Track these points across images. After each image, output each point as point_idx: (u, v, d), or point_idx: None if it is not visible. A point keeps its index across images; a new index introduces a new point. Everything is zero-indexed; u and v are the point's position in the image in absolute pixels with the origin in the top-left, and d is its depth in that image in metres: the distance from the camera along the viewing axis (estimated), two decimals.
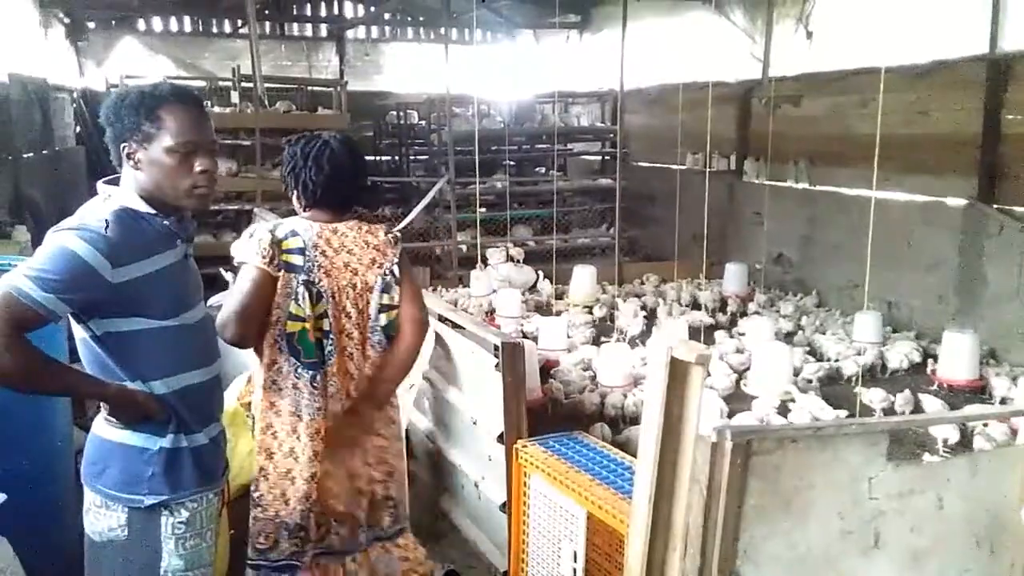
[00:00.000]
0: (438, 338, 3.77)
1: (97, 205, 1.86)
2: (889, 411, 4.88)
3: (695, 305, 7.45)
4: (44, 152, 9.24)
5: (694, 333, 6.25)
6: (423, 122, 11.34)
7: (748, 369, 5.58)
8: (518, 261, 8.68)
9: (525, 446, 2.89)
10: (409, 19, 14.64)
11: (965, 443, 4.31)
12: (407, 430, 3.76)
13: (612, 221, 9.63)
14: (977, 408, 4.95)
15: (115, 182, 1.91)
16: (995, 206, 6.26)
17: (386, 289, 2.43)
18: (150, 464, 1.88)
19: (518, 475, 2.86)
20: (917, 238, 6.80)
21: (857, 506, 1.85)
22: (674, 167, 9.29)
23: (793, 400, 4.98)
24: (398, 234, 2.54)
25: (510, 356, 3.10)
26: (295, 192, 2.49)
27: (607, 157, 11.23)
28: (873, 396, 4.92)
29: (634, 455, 2.43)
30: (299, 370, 2.36)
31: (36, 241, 1.75)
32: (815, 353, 6.12)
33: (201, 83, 11.05)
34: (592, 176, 11.30)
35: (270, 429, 2.40)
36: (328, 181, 2.43)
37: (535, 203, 10.46)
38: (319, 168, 2.42)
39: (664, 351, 1.77)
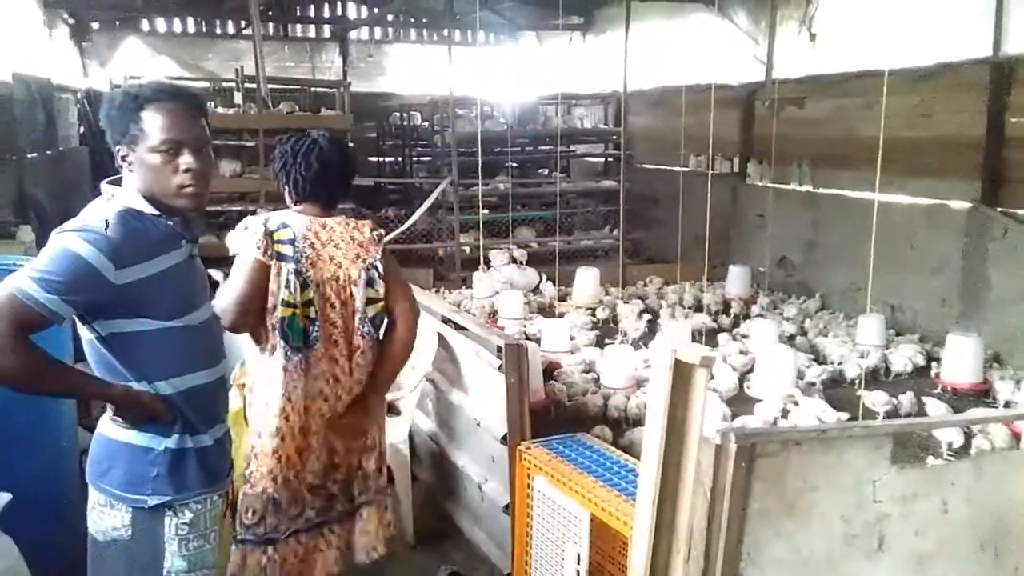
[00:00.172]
0: (441, 340, 3.78)
1: (101, 206, 1.86)
2: (891, 414, 4.88)
3: (698, 307, 7.45)
4: (48, 152, 9.26)
5: (697, 335, 6.25)
6: (426, 123, 11.35)
7: (751, 371, 5.58)
8: (521, 263, 8.68)
9: (528, 448, 2.89)
10: (412, 20, 14.65)
11: (969, 446, 4.30)
12: (410, 431, 3.77)
13: (615, 223, 9.64)
14: (981, 412, 4.94)
15: (119, 182, 1.91)
16: (999, 209, 6.26)
17: (370, 283, 2.57)
18: (155, 464, 1.88)
19: (521, 477, 2.86)
20: (921, 241, 6.79)
21: (861, 509, 1.85)
22: (677, 169, 9.29)
23: (796, 403, 4.98)
24: (382, 232, 2.67)
25: (513, 358, 3.10)
26: (286, 188, 2.63)
27: (610, 159, 11.23)
28: (876, 399, 4.92)
29: (637, 457, 2.43)
30: (288, 353, 2.49)
31: (40, 241, 1.76)
32: (818, 356, 6.12)
33: (204, 84, 11.08)
34: (595, 178, 11.30)
35: (261, 409, 2.52)
36: (317, 177, 2.57)
37: (538, 205, 10.46)
38: (308, 165, 2.56)
39: (668, 353, 1.77)
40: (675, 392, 1.77)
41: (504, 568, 3.24)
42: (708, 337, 6.40)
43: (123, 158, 1.87)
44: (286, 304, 2.47)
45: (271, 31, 13.62)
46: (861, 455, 1.83)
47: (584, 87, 12.33)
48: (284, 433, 2.48)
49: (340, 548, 2.64)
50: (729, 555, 1.75)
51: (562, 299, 7.79)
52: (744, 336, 6.43)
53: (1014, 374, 5.52)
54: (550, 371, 5.50)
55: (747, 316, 7.24)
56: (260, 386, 2.54)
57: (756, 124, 8.96)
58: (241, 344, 2.66)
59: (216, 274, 2.68)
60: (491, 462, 3.39)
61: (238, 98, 10.14)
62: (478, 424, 3.47)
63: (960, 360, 5.47)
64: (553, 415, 4.85)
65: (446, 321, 3.93)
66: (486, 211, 9.30)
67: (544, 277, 8.30)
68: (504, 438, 3.15)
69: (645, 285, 8.59)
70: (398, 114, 12.14)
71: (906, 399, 4.97)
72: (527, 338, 6.13)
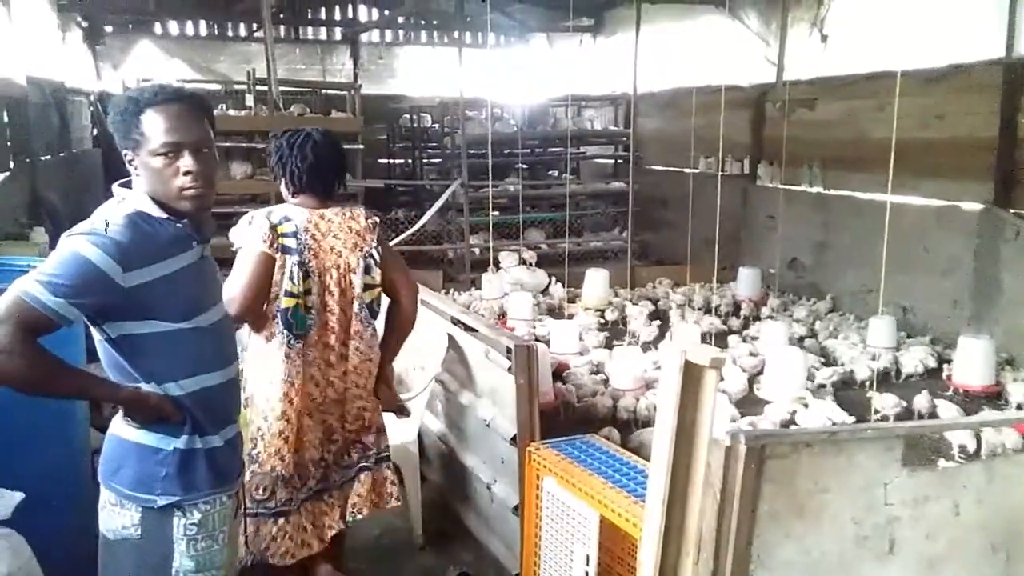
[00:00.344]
0: (451, 341, 3.78)
1: (111, 208, 1.87)
2: (902, 416, 4.86)
3: (708, 309, 7.44)
4: (62, 154, 9.33)
5: (707, 337, 6.23)
6: (436, 125, 11.36)
7: (761, 373, 5.57)
8: (530, 264, 8.69)
9: (538, 449, 2.89)
10: (423, 23, 14.69)
11: (980, 449, 4.27)
12: (420, 432, 3.78)
13: (625, 225, 9.62)
14: (993, 414, 4.91)
15: (130, 185, 1.91)
16: (1011, 211, 6.22)
17: (367, 270, 2.71)
18: (164, 464, 1.89)
19: (531, 478, 2.86)
20: (932, 243, 6.76)
21: (872, 512, 1.84)
22: (687, 171, 9.27)
23: (807, 405, 4.96)
24: (377, 219, 2.80)
25: (523, 359, 3.11)
26: (283, 180, 2.75)
27: (620, 161, 11.22)
28: (885, 401, 4.90)
29: (646, 458, 2.43)
30: (291, 341, 2.63)
31: (54, 243, 1.78)
32: (828, 358, 6.09)
33: (216, 86, 11.14)
34: (605, 180, 11.29)
35: (264, 394, 2.65)
36: (312, 168, 2.70)
37: (548, 206, 10.47)
38: (303, 156, 2.69)
39: (678, 354, 1.77)
40: (685, 393, 1.77)
41: (513, 569, 3.24)
42: (718, 339, 6.38)
43: (130, 162, 1.88)
44: (289, 294, 2.60)
45: (282, 34, 13.69)
46: (872, 457, 1.82)
47: (594, 89, 12.33)
48: (289, 415, 2.62)
49: (341, 507, 2.81)
50: (739, 557, 1.74)
51: (571, 301, 7.78)
52: (754, 338, 6.41)
53: None
54: (559, 372, 5.50)
55: (757, 318, 7.22)
56: (262, 372, 2.66)
57: (767, 126, 8.94)
58: (240, 332, 2.74)
59: None
60: (500, 463, 3.39)
61: (249, 100, 10.19)
62: (487, 425, 3.47)
63: (972, 362, 5.44)
64: (562, 416, 4.85)
65: (456, 322, 3.93)
66: (496, 213, 9.31)
67: (553, 279, 8.30)
68: (513, 439, 3.15)
69: (654, 287, 8.57)
70: (408, 116, 12.16)
71: (922, 399, 4.95)
72: (536, 339, 6.13)
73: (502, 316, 7.13)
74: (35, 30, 9.21)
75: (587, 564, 2.49)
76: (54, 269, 1.73)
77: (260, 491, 2.61)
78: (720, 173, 7.68)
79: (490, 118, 9.88)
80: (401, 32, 14.83)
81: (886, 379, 5.71)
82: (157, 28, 13.29)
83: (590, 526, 2.48)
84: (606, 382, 5.42)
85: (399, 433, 3.69)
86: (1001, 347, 5.78)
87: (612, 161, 11.65)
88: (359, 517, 2.83)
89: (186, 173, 1.84)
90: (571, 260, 8.01)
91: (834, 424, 4.62)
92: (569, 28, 12.81)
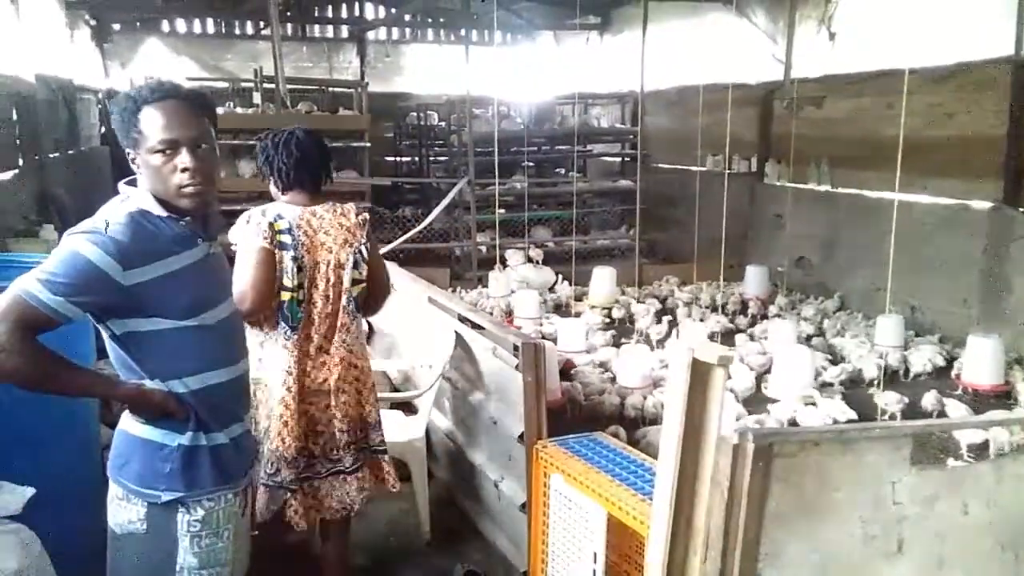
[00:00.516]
0: (458, 338, 3.79)
1: (115, 206, 1.88)
2: (905, 414, 4.86)
3: (715, 307, 7.42)
4: (70, 152, 9.36)
5: (714, 335, 6.22)
6: (443, 123, 11.36)
7: (769, 372, 5.56)
8: (537, 262, 8.69)
9: (545, 446, 2.90)
10: (430, 21, 14.69)
11: (987, 448, 4.26)
12: (427, 429, 3.79)
13: (631, 223, 9.61)
14: (1002, 413, 4.90)
15: (135, 183, 1.92)
16: (1021, 209, 6.19)
17: (356, 265, 2.81)
18: (168, 460, 1.89)
19: (538, 475, 2.86)
20: (941, 241, 6.73)
21: (880, 511, 1.84)
22: (694, 169, 9.25)
23: (814, 404, 4.95)
24: (367, 216, 2.90)
25: (530, 356, 3.11)
26: (272, 179, 2.85)
27: (627, 159, 11.21)
28: (888, 399, 4.90)
29: (653, 457, 2.43)
30: (287, 333, 2.76)
31: None
32: (836, 356, 6.08)
33: (224, 84, 11.16)
34: (612, 178, 11.28)
35: (270, 380, 2.79)
36: (298, 164, 2.80)
37: (554, 204, 10.45)
38: (289, 153, 2.79)
39: (686, 353, 1.77)
40: (693, 391, 1.77)
41: (520, 566, 3.24)
42: (725, 337, 6.37)
43: (132, 160, 1.88)
44: (285, 289, 2.73)
45: (289, 32, 13.70)
46: (880, 456, 1.82)
47: (601, 87, 12.31)
48: (287, 402, 2.76)
49: (340, 499, 2.89)
50: (746, 555, 1.74)
51: (578, 299, 7.78)
52: (763, 337, 6.40)
53: None
54: (566, 370, 5.51)
55: (764, 316, 7.20)
56: (269, 360, 2.78)
57: (774, 123, 8.92)
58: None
59: None
60: (508, 460, 3.39)
61: (257, 98, 10.20)
62: (495, 423, 3.48)
63: (981, 361, 5.42)
64: (569, 414, 4.85)
65: (463, 320, 3.94)
66: (503, 210, 9.31)
67: (560, 277, 8.30)
68: (521, 436, 3.15)
69: (660, 285, 8.56)
70: (415, 114, 12.16)
71: (930, 398, 4.94)
72: (543, 337, 6.13)
73: (509, 314, 7.13)
74: (44, 28, 9.24)
75: (595, 562, 2.49)
76: (54, 268, 1.75)
77: (269, 466, 2.77)
78: (727, 171, 7.68)
79: (497, 116, 9.88)
80: (408, 30, 14.83)
81: (894, 378, 5.69)
82: (165, 26, 13.32)
83: (598, 524, 2.48)
84: (613, 380, 5.42)
85: (406, 430, 3.70)
86: (1010, 346, 5.75)
87: (619, 159, 11.64)
88: (355, 509, 2.92)
89: (184, 170, 1.83)
90: (578, 258, 8.01)
91: (835, 422, 4.62)
92: (576, 26, 12.79)
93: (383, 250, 7.64)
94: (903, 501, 1.85)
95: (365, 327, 5.19)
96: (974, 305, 6.46)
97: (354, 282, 2.81)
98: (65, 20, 10.62)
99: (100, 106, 11.06)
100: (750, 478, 1.71)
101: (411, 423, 3.79)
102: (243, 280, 2.65)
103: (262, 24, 12.89)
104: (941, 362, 5.89)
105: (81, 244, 1.76)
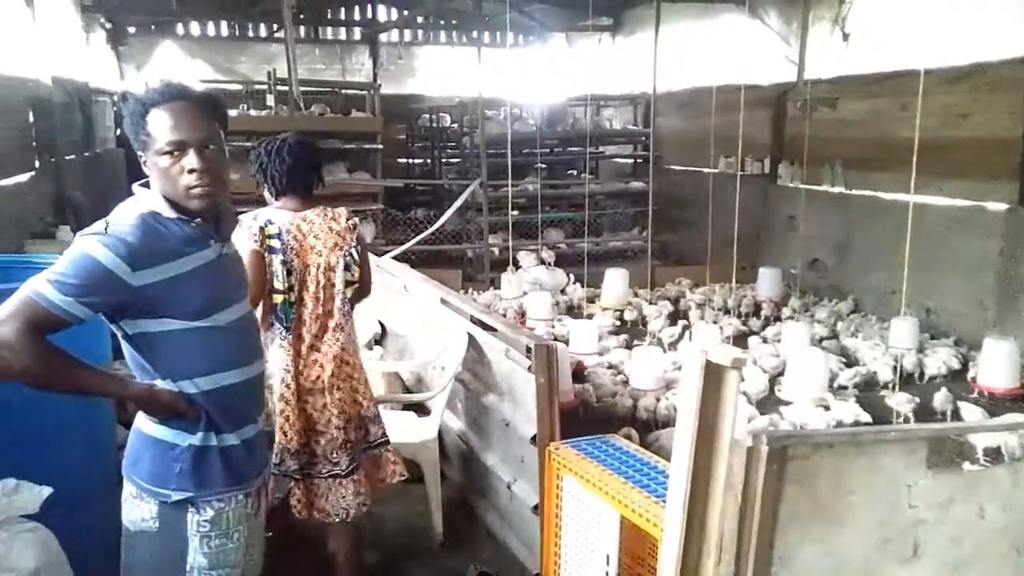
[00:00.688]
0: (471, 340, 3.79)
1: (128, 208, 1.88)
2: (919, 415, 4.85)
3: (727, 310, 7.40)
4: (86, 154, 9.44)
5: (727, 338, 6.20)
6: (455, 125, 11.39)
7: (782, 374, 5.54)
8: (549, 264, 8.69)
9: (558, 448, 2.89)
10: (442, 23, 14.72)
11: (1001, 452, 4.23)
12: (440, 431, 3.79)
13: (644, 224, 9.60)
14: (1018, 417, 4.85)
15: (149, 185, 1.93)
16: None
17: (347, 268, 2.91)
18: (178, 460, 1.90)
19: (550, 477, 2.86)
20: (956, 243, 6.69)
21: (896, 514, 1.83)
22: (706, 170, 9.23)
23: (828, 406, 4.93)
24: (356, 220, 3.00)
25: (543, 358, 3.11)
26: (265, 185, 2.95)
27: (639, 160, 11.20)
28: (899, 399, 4.89)
29: (666, 460, 2.43)
30: (283, 333, 2.86)
31: None
32: (850, 359, 6.05)
33: (237, 86, 11.22)
34: (624, 179, 11.26)
35: (273, 379, 2.85)
36: (290, 170, 2.89)
37: (567, 206, 10.46)
38: (282, 160, 2.89)
39: (699, 355, 1.76)
40: (706, 394, 1.76)
41: (533, 568, 3.24)
42: (738, 340, 6.35)
43: (144, 163, 1.89)
44: (276, 291, 2.83)
45: (302, 34, 13.76)
46: (896, 459, 1.81)
47: (613, 88, 12.30)
48: (287, 398, 2.86)
49: (321, 502, 2.95)
50: (760, 558, 1.74)
51: (590, 300, 7.78)
52: (776, 340, 6.37)
53: None
54: (577, 372, 5.50)
55: (778, 318, 7.18)
56: (271, 359, 2.85)
57: (787, 125, 8.88)
58: None
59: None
60: (520, 462, 3.39)
61: (270, 100, 10.26)
62: (507, 424, 3.48)
63: (997, 364, 5.38)
64: (581, 416, 4.85)
65: (475, 321, 3.94)
66: (515, 212, 9.32)
67: (572, 278, 8.29)
68: (533, 438, 3.15)
69: (670, 287, 8.54)
70: (428, 116, 12.19)
71: (941, 397, 4.92)
72: (555, 339, 6.13)
73: (521, 316, 7.13)
74: (60, 31, 9.32)
75: (607, 564, 2.49)
76: (64, 268, 1.76)
77: (275, 457, 2.86)
78: (740, 173, 7.65)
79: (509, 118, 9.90)
80: (420, 32, 14.87)
81: (909, 381, 5.66)
82: (179, 29, 13.41)
83: (610, 526, 2.47)
84: (625, 382, 5.41)
85: (419, 431, 3.71)
86: None
87: (631, 161, 11.62)
88: (363, 509, 2.96)
89: (191, 171, 1.83)
90: (590, 260, 8.00)
91: (838, 425, 4.61)
92: (588, 27, 12.78)
93: (394, 252, 7.72)
94: (919, 505, 1.83)
95: (378, 328, 5.23)
96: (990, 307, 6.41)
97: (347, 283, 2.92)
98: (81, 23, 10.70)
99: (115, 108, 11.15)
100: (764, 481, 1.70)
101: (424, 424, 3.80)
102: None
103: (275, 27, 12.95)
104: (956, 365, 5.85)
105: (91, 245, 1.77)
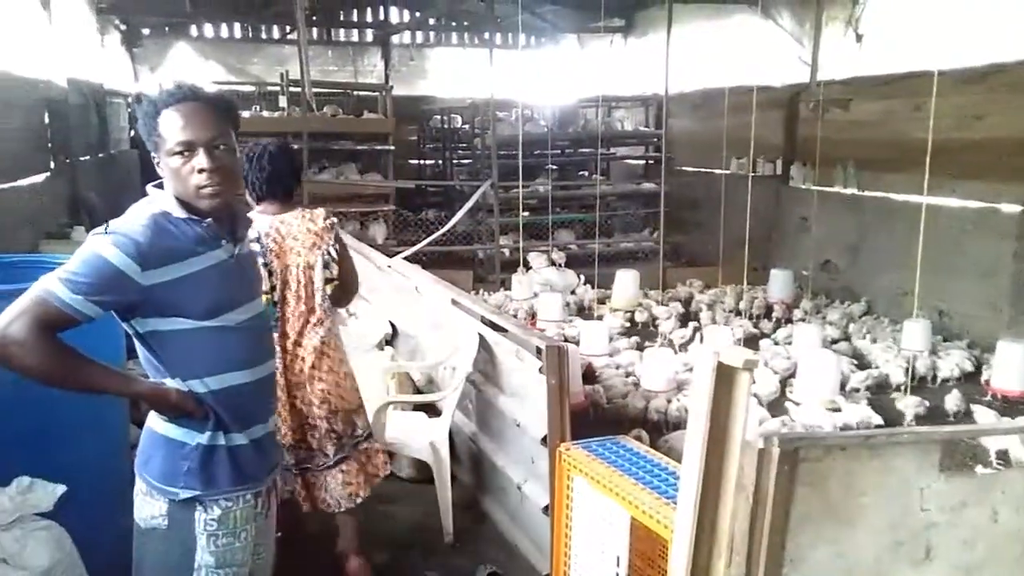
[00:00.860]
0: (482, 341, 3.80)
1: (141, 208, 1.90)
2: (927, 417, 4.82)
3: (739, 311, 7.38)
4: (100, 155, 9.51)
5: (738, 340, 6.19)
6: (467, 126, 11.41)
7: (793, 376, 5.51)
8: (560, 265, 8.68)
9: (568, 449, 2.89)
10: (454, 24, 14.74)
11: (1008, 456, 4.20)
12: (451, 431, 3.80)
13: (655, 226, 9.58)
14: None
15: (163, 185, 1.95)
16: None
17: (326, 266, 3.01)
18: (187, 459, 1.91)
19: (561, 478, 2.85)
20: (970, 245, 6.64)
21: (908, 517, 1.82)
22: (718, 172, 9.21)
23: (839, 408, 4.91)
24: (334, 220, 3.11)
25: (554, 359, 3.11)
26: (246, 191, 3.03)
27: (651, 161, 11.18)
28: (908, 402, 4.86)
29: (677, 460, 2.42)
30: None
31: None
32: (862, 361, 6.02)
33: (250, 88, 11.28)
34: (635, 180, 11.25)
35: None
36: (269, 177, 3.02)
37: (578, 207, 10.46)
38: (261, 168, 3.02)
39: (711, 356, 1.76)
40: (717, 395, 1.76)
41: (543, 569, 3.24)
42: (749, 342, 6.33)
43: (157, 164, 1.91)
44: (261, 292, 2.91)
45: (315, 35, 13.81)
46: (908, 462, 1.80)
47: (625, 89, 12.28)
48: (278, 395, 2.85)
49: (321, 494, 3.08)
50: (772, 560, 1.73)
51: (601, 301, 7.77)
52: (788, 342, 6.35)
53: None
54: (588, 374, 5.50)
55: (789, 320, 7.15)
56: None
57: (800, 126, 8.85)
58: None
59: None
60: (531, 463, 3.40)
61: (283, 102, 10.30)
62: (518, 425, 3.48)
63: (1010, 367, 5.34)
64: (592, 417, 4.85)
65: (486, 322, 3.94)
66: (526, 213, 9.32)
67: (582, 279, 8.28)
68: (544, 439, 3.15)
69: (679, 288, 8.52)
70: (439, 117, 12.22)
71: (953, 399, 4.89)
72: (566, 340, 6.13)
73: (532, 317, 7.13)
74: (75, 33, 9.39)
75: (618, 565, 2.49)
76: (75, 267, 1.78)
77: None
78: (752, 174, 7.62)
79: (520, 119, 9.90)
80: (432, 33, 14.90)
81: (922, 383, 5.63)
82: (193, 31, 13.49)
83: (621, 527, 2.47)
84: (636, 384, 5.41)
85: (430, 432, 3.71)
86: None
87: (642, 162, 11.61)
88: (358, 502, 3.08)
89: (201, 171, 1.84)
90: (601, 261, 7.99)
91: (844, 428, 4.59)
92: (600, 28, 12.76)
93: (406, 253, 7.73)
94: (931, 507, 1.83)
95: (389, 329, 5.24)
96: (1004, 309, 6.37)
97: (327, 281, 3.03)
98: (96, 25, 10.78)
99: (129, 110, 11.22)
100: (775, 482, 1.69)
101: (434, 425, 3.81)
102: None
103: (288, 28, 13.02)
104: (970, 367, 5.82)
105: (102, 245, 1.79)
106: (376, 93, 11.11)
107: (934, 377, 5.73)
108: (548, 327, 6.50)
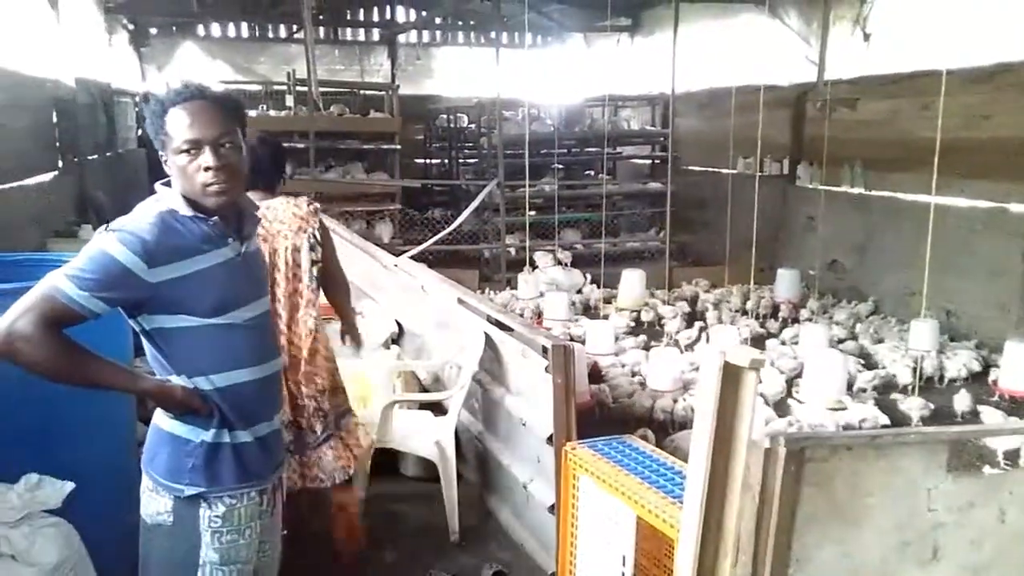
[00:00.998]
0: (488, 340, 3.80)
1: (148, 206, 1.91)
2: (931, 419, 4.81)
3: (745, 311, 7.36)
4: (108, 154, 9.55)
5: (744, 339, 6.18)
6: (473, 125, 11.41)
7: (799, 376, 5.50)
8: (566, 264, 8.68)
9: (574, 448, 2.89)
10: (460, 23, 14.76)
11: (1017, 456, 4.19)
12: (457, 430, 3.80)
13: (661, 225, 9.56)
14: None
15: (171, 183, 1.96)
16: None
17: (312, 248, 3.13)
18: (192, 456, 1.92)
19: (567, 477, 2.86)
20: (978, 245, 6.62)
21: (915, 517, 1.81)
22: (725, 171, 9.19)
23: (845, 408, 4.90)
24: (318, 205, 3.23)
25: (560, 358, 3.11)
26: None
27: (657, 161, 11.17)
28: (912, 404, 4.85)
29: (682, 460, 2.42)
30: None
31: None
32: (869, 361, 6.00)
33: (257, 87, 11.31)
34: (642, 180, 11.24)
35: None
36: (253, 170, 3.11)
37: (584, 207, 10.44)
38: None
39: (717, 356, 1.76)
40: (724, 395, 1.76)
41: (548, 568, 3.25)
42: (755, 342, 6.31)
43: (165, 162, 1.91)
44: None
45: (322, 35, 13.84)
46: (915, 462, 1.80)
47: (631, 89, 12.27)
48: None
49: (314, 471, 3.16)
50: (778, 560, 1.73)
51: (607, 301, 7.76)
52: (794, 342, 6.33)
53: None
54: (593, 373, 5.50)
55: (796, 320, 7.13)
56: None
57: (807, 125, 8.82)
58: None
59: None
60: (537, 462, 3.40)
61: (289, 101, 10.33)
62: (524, 424, 3.49)
63: (1019, 368, 5.30)
64: (597, 416, 4.84)
65: (492, 321, 3.94)
66: (532, 213, 9.32)
67: (588, 279, 8.28)
68: (550, 438, 3.15)
69: (684, 287, 8.50)
70: (445, 116, 12.22)
71: (962, 399, 4.87)
72: (572, 339, 6.12)
73: (538, 316, 7.13)
74: (83, 33, 9.43)
75: (623, 564, 2.49)
76: (82, 264, 1.79)
77: None
78: (759, 173, 7.61)
79: (527, 118, 9.90)
80: (438, 33, 14.91)
81: (929, 384, 5.61)
82: (200, 30, 13.53)
83: (627, 526, 2.47)
84: (642, 384, 5.40)
85: (436, 431, 3.72)
86: None
87: (649, 161, 11.59)
88: (346, 474, 3.21)
89: (207, 169, 1.85)
90: (607, 260, 7.98)
91: (846, 427, 4.58)
92: (606, 28, 12.76)
93: (412, 252, 7.74)
94: (938, 508, 1.82)
95: (395, 328, 5.25)
96: (1012, 310, 6.34)
97: (313, 263, 3.13)
98: (104, 24, 10.83)
99: (137, 109, 11.27)
100: (781, 482, 1.69)
101: (440, 424, 3.81)
102: None
103: (295, 28, 13.05)
104: (977, 368, 5.79)
105: (108, 242, 1.80)
106: (382, 92, 11.12)
107: (941, 377, 5.71)
108: (554, 326, 6.49)
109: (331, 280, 3.25)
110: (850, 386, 5.36)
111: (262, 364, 2.01)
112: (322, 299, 3.48)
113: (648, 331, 6.94)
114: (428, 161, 13.03)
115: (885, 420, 4.73)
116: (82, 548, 2.37)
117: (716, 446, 1.78)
